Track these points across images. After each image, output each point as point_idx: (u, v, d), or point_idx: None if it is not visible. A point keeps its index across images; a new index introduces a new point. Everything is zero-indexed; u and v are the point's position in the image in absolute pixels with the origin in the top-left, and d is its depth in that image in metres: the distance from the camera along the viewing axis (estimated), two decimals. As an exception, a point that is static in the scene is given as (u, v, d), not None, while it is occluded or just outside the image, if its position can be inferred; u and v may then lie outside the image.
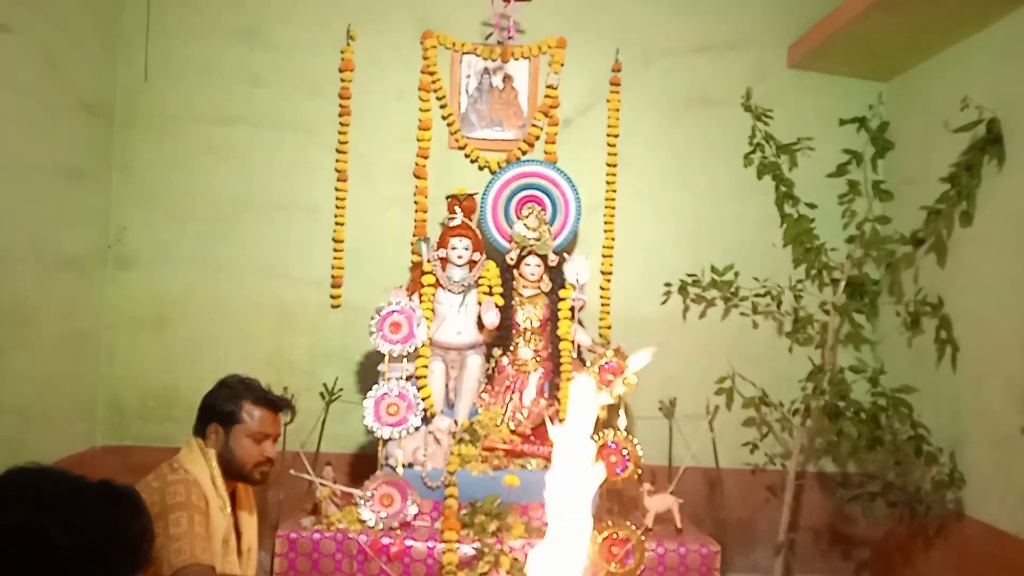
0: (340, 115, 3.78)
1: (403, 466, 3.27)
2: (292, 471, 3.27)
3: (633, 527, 3.14)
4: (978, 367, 3.18)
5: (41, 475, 1.16)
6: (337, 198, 3.79)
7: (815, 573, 3.74)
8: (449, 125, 3.83)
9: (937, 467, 3.22)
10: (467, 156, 3.83)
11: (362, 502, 3.17)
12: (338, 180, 3.79)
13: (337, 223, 3.78)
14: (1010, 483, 2.95)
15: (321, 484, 3.24)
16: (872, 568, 3.79)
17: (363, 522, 3.15)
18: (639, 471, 3.30)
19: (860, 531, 3.80)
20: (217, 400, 2.35)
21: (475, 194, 3.55)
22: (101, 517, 1.13)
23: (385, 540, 3.09)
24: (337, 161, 3.79)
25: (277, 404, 2.39)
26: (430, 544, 3.08)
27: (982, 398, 3.13)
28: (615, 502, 3.38)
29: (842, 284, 3.59)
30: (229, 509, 2.25)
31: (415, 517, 3.21)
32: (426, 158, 3.79)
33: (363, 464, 3.61)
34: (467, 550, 3.04)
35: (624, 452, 3.28)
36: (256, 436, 2.33)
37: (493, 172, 3.72)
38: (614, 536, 3.10)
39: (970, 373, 3.22)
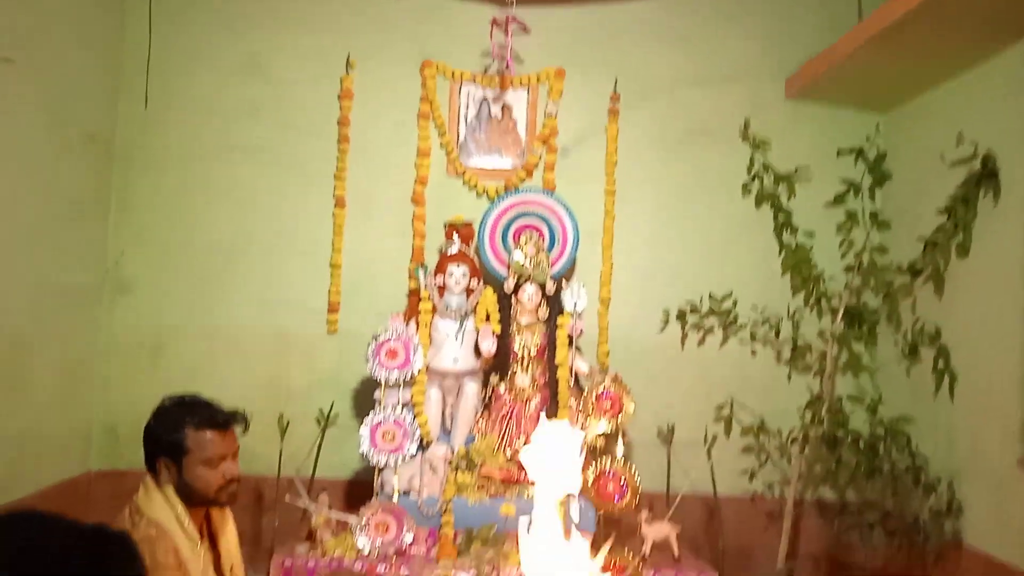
0: (339, 142, 3.81)
1: (399, 493, 3.26)
2: (287, 497, 3.25)
3: (631, 555, 3.12)
4: (975, 398, 3.17)
5: (33, 522, 1.14)
6: (335, 224, 3.80)
7: (814, 603, 3.71)
8: (448, 153, 3.85)
9: (935, 496, 3.21)
10: (465, 183, 3.85)
11: (357, 529, 3.15)
12: (336, 207, 3.80)
13: (335, 249, 3.79)
14: (1008, 514, 2.94)
15: (316, 510, 3.22)
16: (871, 598, 3.76)
17: (358, 550, 3.13)
18: (636, 499, 3.29)
19: (858, 559, 3.77)
20: (158, 432, 2.14)
21: (473, 222, 3.56)
22: (97, 563, 1.12)
23: (380, 568, 3.07)
24: (335, 188, 3.80)
25: (224, 423, 2.17)
26: (426, 572, 3.06)
27: (979, 429, 3.13)
28: (613, 530, 3.35)
29: (840, 313, 3.60)
30: (199, 542, 2.11)
31: (411, 545, 3.19)
32: (424, 184, 3.81)
33: (359, 491, 3.59)
34: (463, 579, 3.03)
35: (622, 480, 3.27)
36: (210, 462, 2.13)
37: (491, 200, 3.74)
38: (612, 564, 3.07)
39: (968, 403, 3.22)
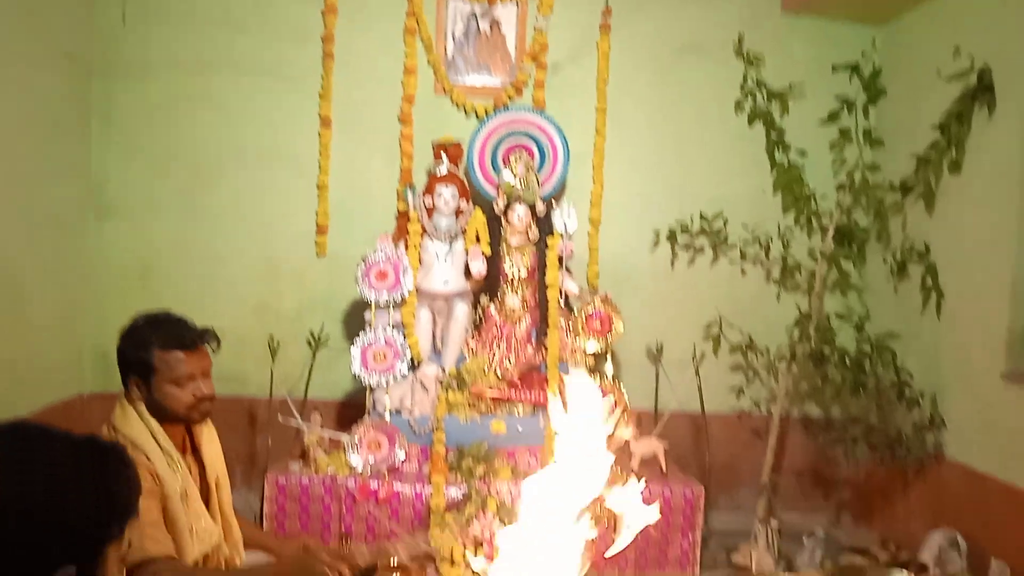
0: (323, 59, 3.71)
1: (390, 412, 3.29)
2: (280, 417, 3.29)
3: (619, 470, 3.18)
4: (961, 314, 3.21)
5: (27, 432, 1.15)
6: (321, 145, 3.74)
7: (796, 511, 3.81)
8: (435, 70, 3.77)
9: (918, 411, 3.28)
10: (453, 102, 3.78)
11: (350, 447, 3.20)
12: (321, 127, 3.74)
13: (321, 170, 3.74)
14: (989, 427, 3.00)
15: (309, 430, 3.26)
16: (852, 508, 3.87)
17: (351, 467, 3.18)
18: (626, 416, 3.34)
19: (841, 473, 3.87)
20: (127, 351, 2.10)
21: (461, 141, 3.51)
22: (90, 472, 1.13)
23: (373, 484, 3.13)
24: (320, 107, 3.73)
25: (191, 343, 2.10)
26: (418, 488, 3.13)
27: (964, 344, 3.17)
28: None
29: (831, 231, 3.60)
30: (178, 458, 2.10)
31: (403, 462, 3.25)
32: (411, 104, 3.74)
33: (351, 411, 3.63)
34: (454, 493, 3.09)
35: (611, 398, 3.31)
36: (178, 381, 2.09)
37: (480, 119, 3.68)
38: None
39: (953, 320, 3.26)
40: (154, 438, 2.07)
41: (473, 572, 2.75)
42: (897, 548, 3.30)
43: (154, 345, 2.10)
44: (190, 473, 2.26)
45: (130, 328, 2.14)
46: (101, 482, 1.13)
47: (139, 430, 2.07)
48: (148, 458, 2.01)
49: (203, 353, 2.14)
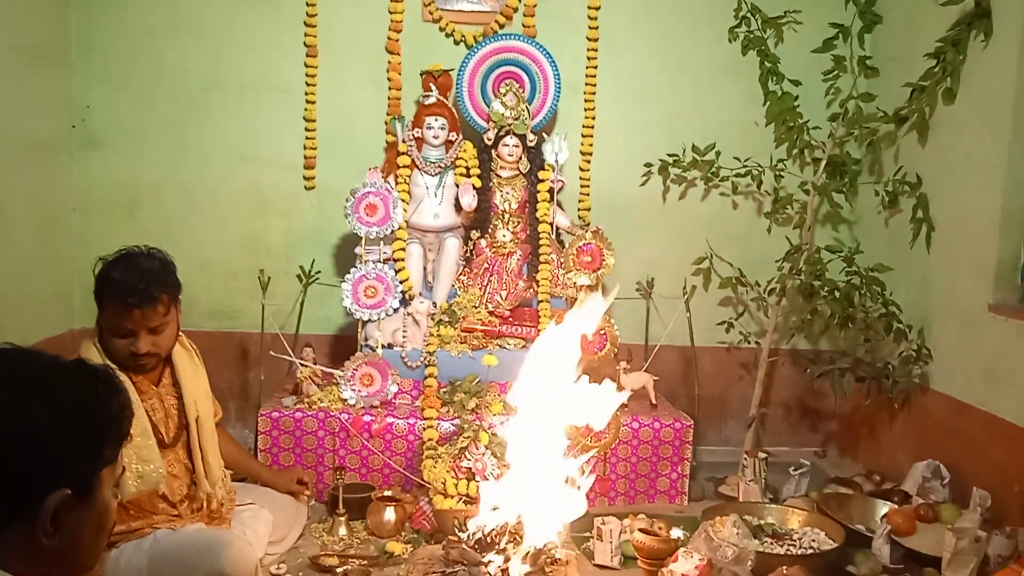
0: (308, -17, 3.61)
1: (383, 347, 3.30)
2: (272, 352, 3.29)
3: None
4: (951, 246, 3.21)
5: (18, 355, 1.14)
6: (307, 75, 3.66)
7: (784, 446, 3.87)
8: (422, -4, 3.67)
9: (906, 343, 3.30)
10: (442, 30, 3.68)
11: (343, 382, 3.21)
12: (307, 56, 3.65)
13: (308, 102, 3.67)
14: (973, 357, 3.04)
15: (301, 364, 3.27)
16: (838, 440, 3.94)
17: (344, 401, 3.20)
18: (616, 349, 3.36)
19: (828, 406, 3.93)
20: (94, 286, 2.17)
21: (451, 70, 3.44)
22: (82, 395, 1.13)
23: (366, 418, 3.15)
24: (306, 36, 3.64)
25: (134, 303, 2.13)
26: (411, 421, 3.15)
27: (953, 276, 3.18)
28: (592, 379, 3.44)
29: (823, 163, 3.57)
30: (134, 396, 2.13)
31: (395, 396, 3.27)
32: (399, 32, 3.65)
33: (343, 346, 3.64)
34: (447, 427, 3.12)
35: (601, 332, 3.33)
36: (116, 332, 2.16)
37: (469, 47, 3.60)
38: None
39: (943, 252, 3.26)
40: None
41: (466, 502, 2.80)
42: (881, 478, 3.36)
43: (104, 290, 2.15)
44: (164, 410, 2.28)
45: (102, 265, 2.18)
46: (92, 404, 1.13)
47: (91, 357, 2.10)
48: None
49: (149, 312, 2.16)
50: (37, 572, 1.07)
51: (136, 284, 2.14)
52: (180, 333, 2.35)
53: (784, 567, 2.17)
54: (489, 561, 2.21)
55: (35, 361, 1.15)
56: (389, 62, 3.67)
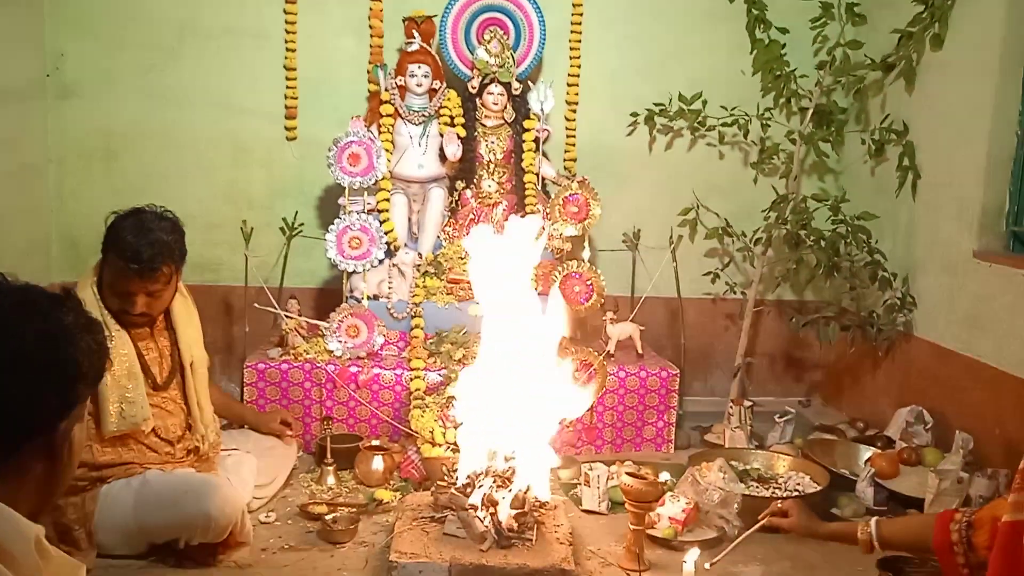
0: (286, -72, 3.52)
1: (368, 298, 3.28)
2: (256, 304, 3.26)
3: (596, 353, 3.22)
4: (936, 193, 3.22)
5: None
6: (287, 22, 3.58)
7: (769, 396, 3.90)
8: (404, -60, 3.58)
9: (891, 291, 3.32)
10: (425, -26, 3.61)
11: (328, 333, 3.19)
12: (287, 2, 3.56)
13: (288, 50, 3.60)
14: (957, 304, 3.06)
15: (287, 316, 3.24)
16: (823, 389, 3.97)
17: (330, 352, 3.18)
18: (602, 300, 3.36)
19: (813, 355, 3.96)
20: (105, 232, 2.26)
21: (434, 16, 3.37)
22: (76, 316, 1.14)
23: (353, 369, 3.14)
24: (284, -20, 3.56)
25: (135, 271, 2.22)
26: (397, 372, 3.14)
27: (938, 224, 3.19)
28: (578, 330, 3.44)
29: (810, 112, 3.55)
30: (120, 336, 2.24)
31: (382, 347, 3.25)
32: (381, -24, 3.58)
33: (328, 298, 3.62)
34: (434, 377, 3.11)
35: (588, 282, 3.32)
36: (115, 288, 2.26)
37: (452, -7, 3.53)
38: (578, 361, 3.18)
39: (928, 199, 3.27)
40: (99, 308, 2.23)
41: (453, 450, 2.80)
42: (865, 426, 3.40)
43: (111, 246, 2.25)
44: (158, 350, 2.36)
45: (117, 216, 2.27)
46: (62, 340, 1.11)
47: (86, 295, 2.22)
48: None
49: (150, 278, 2.25)
50: (32, 501, 1.07)
51: (142, 252, 2.21)
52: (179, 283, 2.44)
53: (779, 501, 2.20)
54: (476, 505, 2.22)
55: (18, 287, 1.13)
56: (371, 8, 3.59)
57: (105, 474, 2.23)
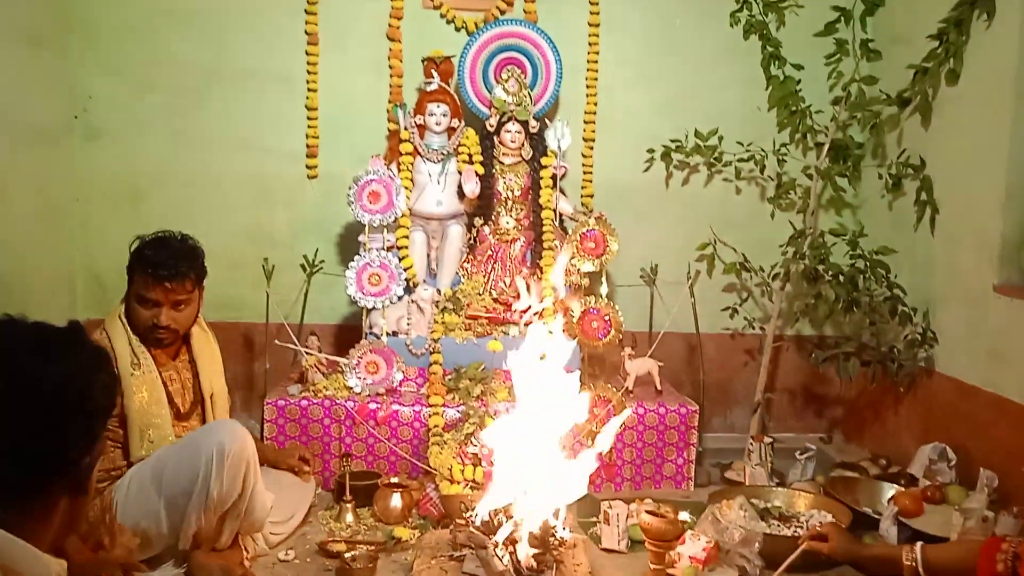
0: (309, -29, 3.60)
1: (387, 334, 3.30)
2: (277, 341, 3.29)
3: (614, 389, 3.22)
4: (955, 227, 3.21)
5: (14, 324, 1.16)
6: (308, 63, 3.65)
7: (789, 432, 3.87)
8: (423, -17, 3.66)
9: (911, 326, 3.30)
10: (443, 16, 3.67)
11: (348, 370, 3.21)
12: (308, 44, 3.64)
13: (310, 90, 3.66)
14: (978, 338, 3.03)
15: (307, 353, 3.27)
16: (844, 425, 3.93)
17: (350, 389, 3.20)
18: (620, 336, 3.36)
19: (833, 391, 3.92)
20: (129, 260, 2.40)
21: (452, 56, 3.43)
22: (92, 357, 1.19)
23: (372, 405, 3.15)
24: (307, 23, 3.62)
25: (162, 277, 2.36)
26: (416, 408, 3.15)
27: (957, 258, 3.17)
28: (597, 366, 3.45)
29: (826, 147, 3.56)
30: (148, 363, 2.36)
31: (401, 383, 3.26)
32: (400, 19, 3.64)
33: (347, 334, 3.64)
34: (452, 413, 3.12)
35: (606, 318, 3.32)
36: (140, 300, 2.37)
37: (470, 33, 3.59)
38: (597, 397, 3.17)
39: (947, 233, 3.26)
40: (127, 335, 2.36)
41: (472, 487, 2.80)
42: (888, 463, 3.35)
43: (136, 263, 2.38)
44: (180, 382, 2.43)
45: (138, 243, 2.43)
46: (77, 375, 1.14)
47: (115, 327, 2.37)
48: (112, 352, 2.27)
49: (174, 287, 2.38)
50: (56, 534, 1.09)
51: (166, 260, 2.36)
52: (199, 317, 2.55)
53: (818, 523, 2.19)
54: (496, 543, 2.21)
55: (30, 327, 1.15)
56: (390, 49, 3.66)
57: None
